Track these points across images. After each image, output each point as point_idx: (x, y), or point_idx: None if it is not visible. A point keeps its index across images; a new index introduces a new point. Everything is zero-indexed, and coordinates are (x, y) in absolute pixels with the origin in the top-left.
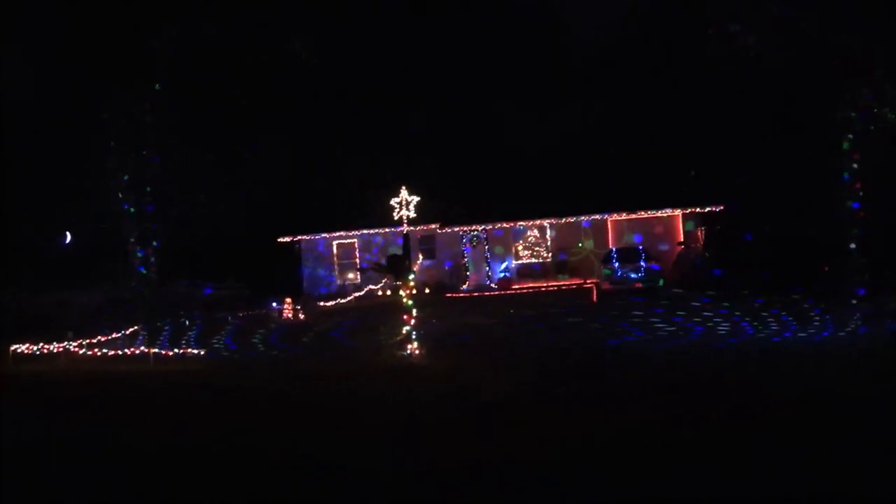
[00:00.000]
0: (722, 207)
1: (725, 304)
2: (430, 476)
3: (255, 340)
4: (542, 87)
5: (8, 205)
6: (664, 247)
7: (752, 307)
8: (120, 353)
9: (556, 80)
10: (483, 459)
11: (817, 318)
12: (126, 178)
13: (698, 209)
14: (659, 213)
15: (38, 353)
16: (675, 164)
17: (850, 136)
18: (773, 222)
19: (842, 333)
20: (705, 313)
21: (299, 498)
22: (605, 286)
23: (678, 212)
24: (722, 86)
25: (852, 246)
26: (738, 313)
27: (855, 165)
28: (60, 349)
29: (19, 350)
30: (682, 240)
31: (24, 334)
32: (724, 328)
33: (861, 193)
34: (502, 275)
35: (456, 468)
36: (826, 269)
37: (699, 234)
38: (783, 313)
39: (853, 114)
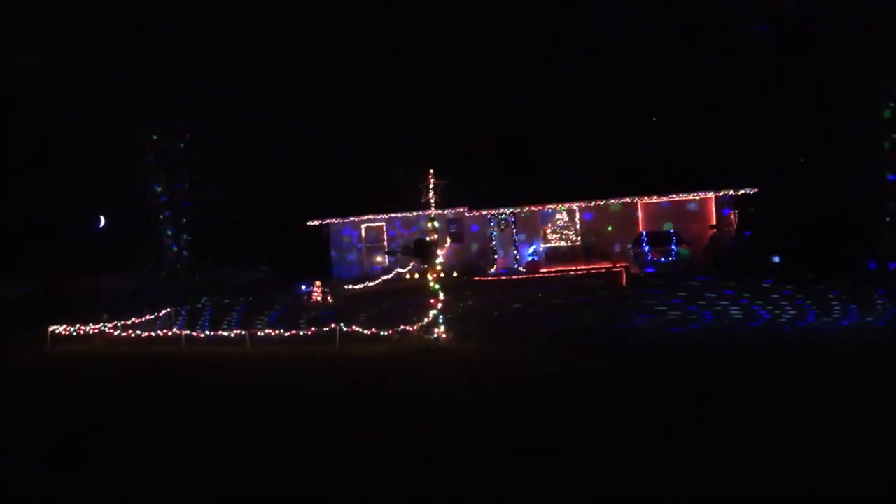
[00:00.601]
0: (756, 190)
1: (752, 289)
2: (440, 454)
3: (280, 323)
4: (572, 69)
5: (42, 189)
6: (696, 230)
7: (780, 292)
8: (153, 334)
9: (588, 60)
10: (494, 438)
11: (844, 302)
12: (153, 158)
13: (731, 192)
14: (691, 196)
15: (74, 334)
16: (709, 146)
17: (892, 104)
18: (809, 202)
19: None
20: (737, 298)
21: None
22: (635, 270)
23: (711, 195)
24: (755, 63)
25: (888, 220)
26: (761, 299)
27: (895, 136)
28: (96, 330)
29: (57, 331)
30: (714, 223)
31: (62, 316)
32: (743, 314)
33: None
34: (530, 258)
35: (467, 446)
36: (861, 249)
37: (732, 217)
38: (807, 300)
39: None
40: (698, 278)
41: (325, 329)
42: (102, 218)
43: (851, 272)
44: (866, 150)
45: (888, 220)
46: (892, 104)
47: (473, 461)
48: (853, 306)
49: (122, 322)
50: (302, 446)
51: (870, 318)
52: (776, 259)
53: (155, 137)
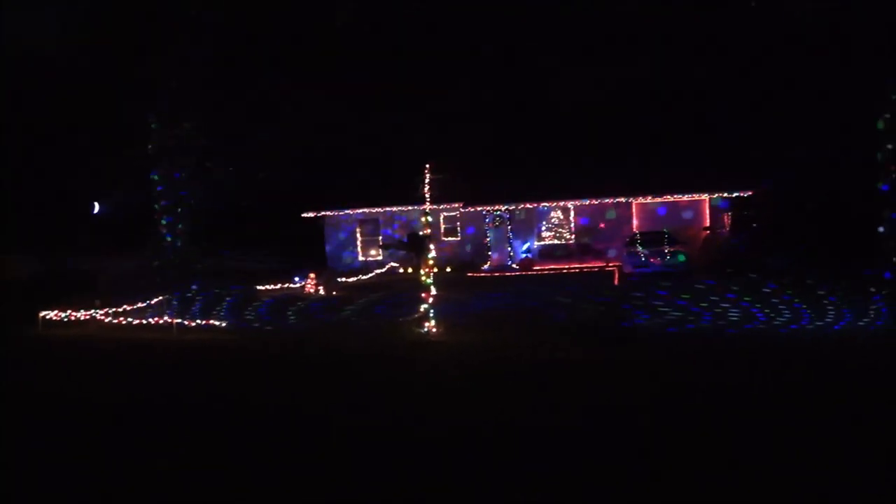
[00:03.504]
0: (750, 193)
1: (747, 288)
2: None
3: (273, 313)
4: (571, 68)
5: (37, 172)
6: (690, 232)
7: (774, 293)
8: (144, 321)
9: (586, 60)
10: (477, 423)
11: (835, 304)
12: (150, 146)
13: (726, 194)
14: (685, 198)
15: (66, 319)
16: (704, 147)
17: (888, 115)
18: (805, 206)
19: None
20: (725, 299)
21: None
22: (628, 270)
23: (705, 196)
24: (754, 64)
25: (881, 229)
26: (752, 299)
27: (889, 146)
28: (87, 316)
29: (48, 316)
30: (708, 224)
31: (54, 300)
32: (736, 315)
33: (895, 176)
34: (524, 255)
35: (448, 430)
36: (857, 256)
37: (726, 219)
38: (797, 300)
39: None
40: (691, 279)
41: (315, 320)
42: (97, 204)
43: (847, 278)
44: (866, 155)
45: (881, 229)
46: (887, 115)
47: (453, 444)
48: (846, 311)
49: (115, 309)
50: (294, 422)
51: (861, 323)
52: (775, 261)
53: (154, 126)
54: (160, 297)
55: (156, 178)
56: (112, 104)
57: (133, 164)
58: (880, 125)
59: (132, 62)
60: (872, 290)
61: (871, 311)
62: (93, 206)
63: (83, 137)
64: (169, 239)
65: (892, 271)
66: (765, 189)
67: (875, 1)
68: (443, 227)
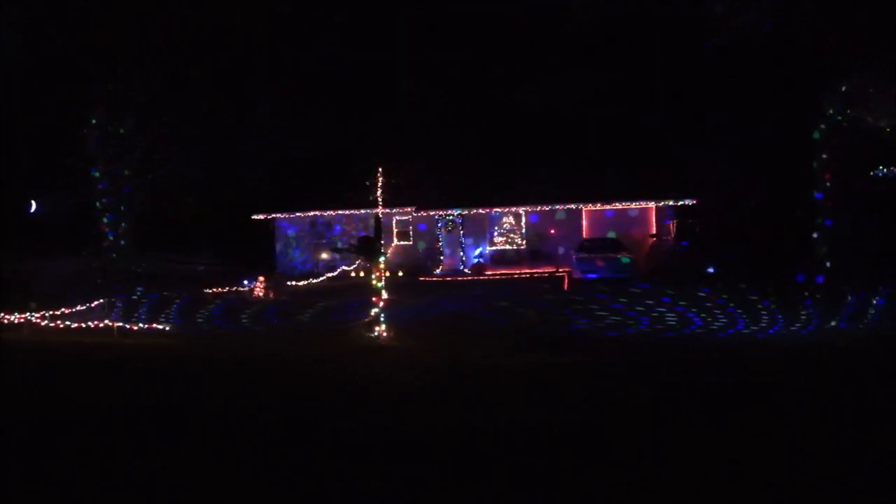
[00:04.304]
0: (695, 201)
1: (687, 295)
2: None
3: (219, 318)
4: (522, 76)
5: None
6: (637, 238)
7: (712, 300)
8: (84, 325)
9: (537, 69)
10: (420, 428)
11: (766, 309)
12: (93, 142)
13: (671, 202)
14: (633, 205)
15: None
16: (651, 157)
17: (823, 126)
18: (744, 214)
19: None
20: (672, 305)
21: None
22: (577, 275)
23: (652, 204)
24: (700, 78)
25: (815, 235)
26: (690, 304)
27: (825, 156)
28: (22, 320)
29: None
30: (654, 232)
31: None
32: (674, 319)
33: (828, 184)
34: (476, 260)
35: (387, 436)
36: (791, 262)
37: (671, 226)
38: (738, 308)
39: (831, 110)
40: (638, 285)
41: (262, 324)
42: (33, 203)
43: (781, 283)
44: (804, 165)
45: (815, 235)
46: (822, 126)
47: (389, 450)
48: (780, 316)
49: (52, 312)
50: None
51: (793, 328)
52: (711, 269)
53: (94, 121)
54: (101, 300)
55: (97, 174)
56: (50, 99)
57: (71, 162)
58: (816, 135)
59: (71, 60)
60: (805, 294)
61: (803, 316)
62: (29, 205)
63: (18, 133)
64: (112, 237)
65: (825, 276)
66: (706, 198)
67: (812, 16)
68: (395, 230)
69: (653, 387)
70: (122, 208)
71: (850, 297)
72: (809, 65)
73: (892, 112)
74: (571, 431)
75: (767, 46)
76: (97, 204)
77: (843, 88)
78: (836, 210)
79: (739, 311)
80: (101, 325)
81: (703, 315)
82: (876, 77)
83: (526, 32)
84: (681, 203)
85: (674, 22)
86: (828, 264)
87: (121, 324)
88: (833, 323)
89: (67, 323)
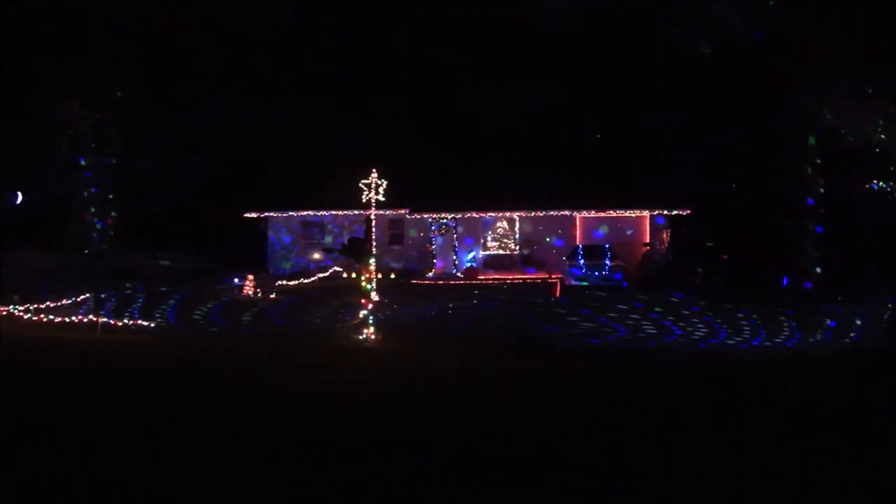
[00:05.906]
0: (689, 211)
1: (678, 304)
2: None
3: (206, 316)
4: (518, 80)
5: None
6: (631, 246)
7: (709, 309)
8: (67, 320)
9: (532, 73)
10: (402, 432)
11: (746, 319)
12: (70, 134)
13: (665, 211)
14: (627, 213)
15: None
16: (647, 165)
17: (820, 130)
18: (736, 226)
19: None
20: (654, 312)
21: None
22: (569, 282)
23: (646, 213)
24: (694, 84)
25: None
26: (679, 315)
27: (818, 161)
28: (4, 312)
29: None
30: (648, 240)
31: None
32: (666, 329)
33: (822, 190)
34: (469, 264)
35: (371, 438)
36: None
37: (665, 235)
38: (720, 319)
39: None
40: (629, 292)
41: (249, 324)
42: (20, 194)
43: (768, 292)
44: (795, 172)
45: (805, 242)
46: (819, 130)
47: (372, 453)
48: (761, 329)
49: (35, 305)
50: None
51: (779, 340)
52: (698, 277)
53: (76, 111)
54: (86, 295)
55: (83, 163)
56: (31, 89)
57: (53, 154)
58: (812, 141)
59: (49, 54)
60: (792, 303)
61: (786, 330)
62: (15, 197)
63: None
64: (100, 227)
65: (813, 282)
66: (700, 208)
67: (805, 24)
68: (388, 233)
69: (619, 397)
70: (110, 196)
71: (836, 308)
72: (797, 74)
73: (870, 126)
74: (546, 438)
75: (757, 56)
76: (84, 193)
77: (825, 99)
78: (826, 217)
79: (718, 321)
80: (85, 320)
81: (684, 325)
82: (854, 90)
83: (524, 35)
84: (675, 212)
85: (670, 28)
86: (818, 270)
87: (105, 319)
88: (818, 336)
89: (51, 317)
